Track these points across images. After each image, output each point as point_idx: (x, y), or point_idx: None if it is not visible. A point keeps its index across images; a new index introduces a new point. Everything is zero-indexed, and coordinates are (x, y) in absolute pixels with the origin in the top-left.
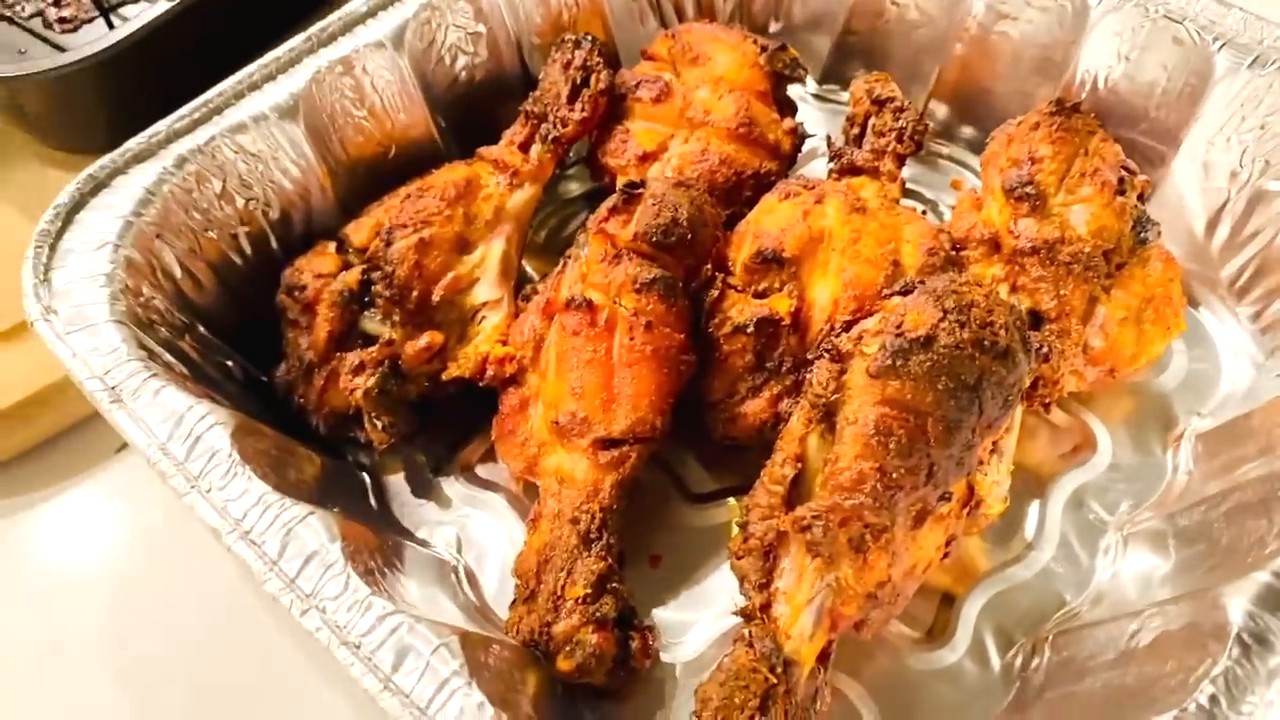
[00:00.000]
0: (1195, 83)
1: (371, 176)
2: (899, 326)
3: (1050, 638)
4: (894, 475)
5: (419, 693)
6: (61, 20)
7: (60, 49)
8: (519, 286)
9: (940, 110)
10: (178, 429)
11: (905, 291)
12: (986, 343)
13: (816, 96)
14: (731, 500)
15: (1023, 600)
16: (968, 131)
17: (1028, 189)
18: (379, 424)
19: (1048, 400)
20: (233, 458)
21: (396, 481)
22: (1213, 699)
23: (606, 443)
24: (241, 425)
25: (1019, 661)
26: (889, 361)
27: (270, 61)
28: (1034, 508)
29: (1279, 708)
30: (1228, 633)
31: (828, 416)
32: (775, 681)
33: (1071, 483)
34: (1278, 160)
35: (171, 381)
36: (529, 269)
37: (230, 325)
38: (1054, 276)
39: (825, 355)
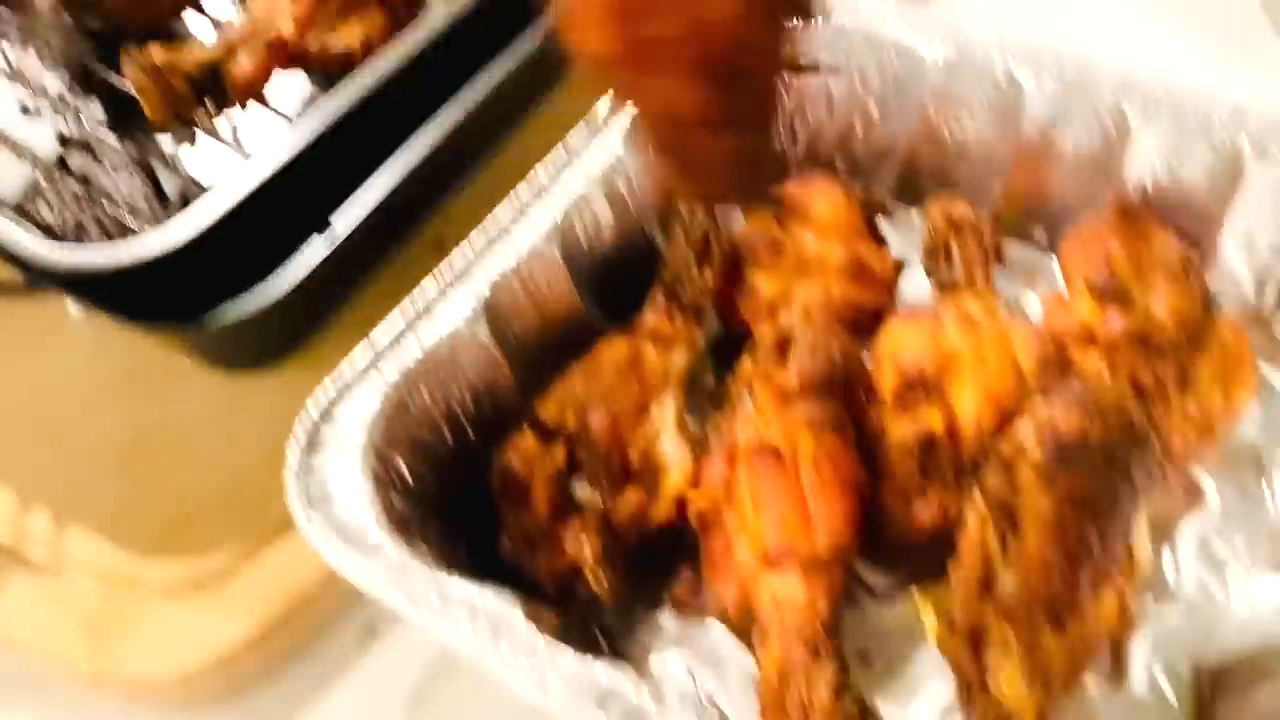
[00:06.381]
0: (1231, 175)
1: (538, 357)
2: (1054, 430)
3: (1212, 664)
4: (1074, 555)
5: None
6: None
7: None
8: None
9: (1009, 216)
10: (477, 618)
11: (1043, 396)
12: (1126, 430)
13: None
14: (915, 593)
15: (1179, 637)
16: (1036, 232)
17: (1111, 286)
18: (605, 578)
19: (1163, 464)
20: (532, 632)
21: (618, 624)
22: None
23: (813, 563)
24: (525, 599)
25: (1188, 690)
26: (1053, 461)
27: (449, 272)
28: (1167, 556)
29: None
30: None
31: (1009, 514)
32: None
33: (1193, 529)
34: None
35: (448, 573)
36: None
37: (444, 513)
38: (1147, 358)
39: (994, 463)
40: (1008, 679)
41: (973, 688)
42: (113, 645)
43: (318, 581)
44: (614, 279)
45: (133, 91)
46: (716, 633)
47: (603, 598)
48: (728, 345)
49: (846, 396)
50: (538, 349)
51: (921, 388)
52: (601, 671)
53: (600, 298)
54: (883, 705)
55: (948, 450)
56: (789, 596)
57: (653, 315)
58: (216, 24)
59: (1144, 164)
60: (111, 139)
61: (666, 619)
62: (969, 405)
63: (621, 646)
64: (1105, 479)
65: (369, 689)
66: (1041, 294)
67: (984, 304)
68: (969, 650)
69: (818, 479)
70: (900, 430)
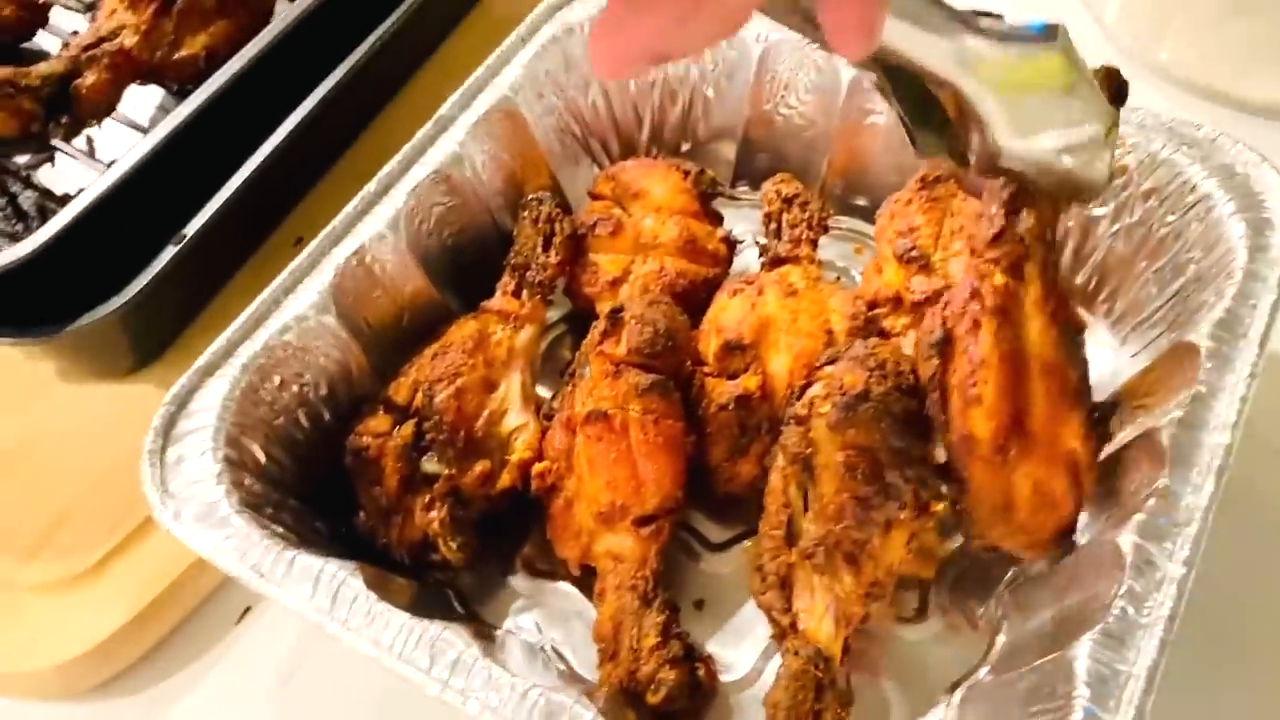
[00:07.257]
0: None
1: (394, 342)
2: (840, 388)
3: (1004, 594)
4: (864, 500)
5: None
6: None
7: None
8: (537, 407)
9: (836, 189)
10: (318, 587)
11: (833, 360)
12: (904, 385)
13: (730, 198)
14: (746, 543)
15: (976, 572)
16: (861, 203)
17: (913, 253)
18: (454, 545)
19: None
20: (370, 598)
21: (474, 589)
22: (1124, 610)
23: (644, 520)
24: (370, 573)
25: (984, 617)
26: (841, 415)
27: (297, 267)
28: None
29: (1166, 607)
30: (1125, 563)
31: (807, 467)
32: (821, 675)
33: None
34: None
35: (298, 549)
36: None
37: (304, 493)
38: None
39: (792, 421)
40: (815, 620)
41: (785, 631)
42: None
43: (190, 568)
44: (467, 266)
45: None
46: (565, 591)
47: (454, 563)
48: (587, 322)
49: (674, 364)
50: (394, 336)
51: (739, 352)
52: (435, 627)
53: (456, 285)
54: (714, 648)
55: (764, 409)
56: (622, 552)
57: (501, 297)
58: (66, 44)
59: None
60: None
61: (521, 582)
62: (781, 367)
63: (479, 611)
64: (889, 430)
65: (244, 666)
66: (864, 263)
67: (805, 273)
68: (780, 596)
69: (645, 442)
70: (720, 392)
